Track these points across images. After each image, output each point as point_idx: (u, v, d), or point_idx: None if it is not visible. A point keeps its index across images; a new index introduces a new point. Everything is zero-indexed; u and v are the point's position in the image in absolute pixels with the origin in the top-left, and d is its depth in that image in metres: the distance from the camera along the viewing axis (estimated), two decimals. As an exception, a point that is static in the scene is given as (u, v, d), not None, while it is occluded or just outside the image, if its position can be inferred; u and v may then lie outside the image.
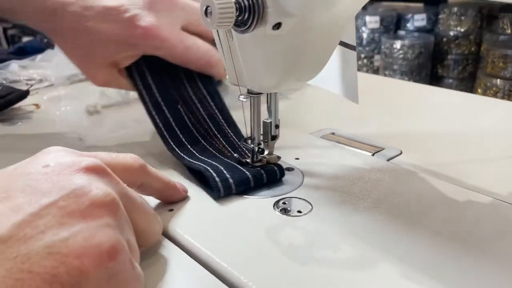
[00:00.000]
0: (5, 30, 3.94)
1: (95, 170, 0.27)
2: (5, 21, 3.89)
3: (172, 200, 0.38)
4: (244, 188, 0.40)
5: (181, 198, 0.39)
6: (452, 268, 0.31)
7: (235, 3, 0.30)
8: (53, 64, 0.78)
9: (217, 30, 0.37)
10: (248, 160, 0.43)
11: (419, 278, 0.30)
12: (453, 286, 0.29)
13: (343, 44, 0.40)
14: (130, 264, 0.26)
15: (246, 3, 0.31)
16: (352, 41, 0.40)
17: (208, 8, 0.30)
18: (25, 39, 3.32)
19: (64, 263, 0.22)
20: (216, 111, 0.50)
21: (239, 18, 0.31)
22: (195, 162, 0.43)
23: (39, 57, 0.83)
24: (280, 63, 0.36)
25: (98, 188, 0.26)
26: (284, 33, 0.33)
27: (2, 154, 0.50)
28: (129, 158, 0.33)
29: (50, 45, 0.90)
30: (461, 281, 0.30)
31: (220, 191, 0.39)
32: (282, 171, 0.43)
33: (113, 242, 0.24)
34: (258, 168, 0.42)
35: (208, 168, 0.41)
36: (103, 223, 0.25)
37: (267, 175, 0.42)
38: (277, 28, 0.32)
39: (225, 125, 0.49)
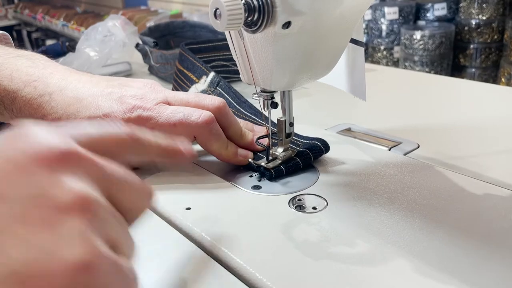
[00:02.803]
0: (29, 33, 4.03)
1: (64, 158, 0.23)
2: (29, 25, 3.97)
3: (176, 164, 0.35)
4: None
5: (187, 161, 0.33)
6: (468, 263, 0.31)
7: (243, 4, 0.31)
8: (74, 67, 0.80)
9: (229, 31, 0.38)
10: (262, 163, 0.43)
11: (433, 273, 0.30)
12: (468, 281, 0.29)
13: (351, 40, 0.40)
14: (113, 268, 0.22)
15: (255, 3, 0.31)
16: (360, 37, 0.40)
17: (217, 10, 0.31)
18: (49, 42, 3.39)
19: (28, 287, 0.19)
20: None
21: (249, 19, 0.32)
22: None
23: (60, 60, 0.85)
24: (291, 62, 0.36)
25: (63, 187, 0.22)
26: (294, 31, 0.33)
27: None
28: (117, 128, 0.28)
29: (71, 49, 0.92)
30: (476, 276, 0.30)
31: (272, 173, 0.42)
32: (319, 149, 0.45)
33: (83, 254, 0.21)
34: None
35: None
36: (71, 230, 0.21)
37: (311, 151, 0.45)
38: (287, 27, 0.32)
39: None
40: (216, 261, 0.32)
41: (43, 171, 0.22)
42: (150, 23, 1.91)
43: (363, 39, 0.40)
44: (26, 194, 0.21)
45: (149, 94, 0.44)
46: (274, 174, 0.42)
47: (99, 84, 0.45)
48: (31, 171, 0.22)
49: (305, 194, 0.40)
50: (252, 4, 0.31)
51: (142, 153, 0.30)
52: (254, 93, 0.41)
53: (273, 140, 0.44)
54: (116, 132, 0.28)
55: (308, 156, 0.44)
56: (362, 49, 0.41)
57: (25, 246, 0.20)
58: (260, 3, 0.31)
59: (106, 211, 0.24)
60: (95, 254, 0.21)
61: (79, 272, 0.20)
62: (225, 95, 0.55)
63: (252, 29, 0.33)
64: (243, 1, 0.31)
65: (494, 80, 1.79)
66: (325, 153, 0.46)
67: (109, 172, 0.25)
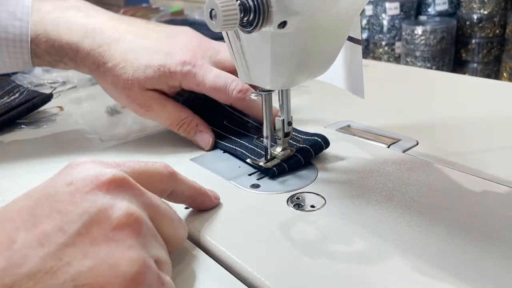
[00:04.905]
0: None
1: (117, 184, 0.27)
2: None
3: (204, 207, 0.38)
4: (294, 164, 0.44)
5: (213, 205, 0.38)
6: (466, 260, 0.31)
7: (239, 5, 0.31)
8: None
9: (226, 31, 0.38)
10: (261, 163, 0.43)
11: (431, 270, 0.30)
12: (467, 278, 0.29)
13: (349, 38, 0.40)
14: (158, 281, 0.26)
15: (251, 3, 0.31)
16: (357, 35, 0.40)
17: (213, 11, 0.31)
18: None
19: None
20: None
21: (244, 19, 0.32)
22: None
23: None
24: (288, 61, 0.36)
25: (120, 208, 0.26)
26: (290, 31, 0.33)
27: (31, 158, 0.52)
28: (159, 165, 0.32)
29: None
30: (475, 274, 0.30)
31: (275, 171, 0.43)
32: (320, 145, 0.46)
33: (138, 266, 0.24)
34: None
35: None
36: (127, 246, 0.24)
37: (312, 147, 0.45)
38: (283, 27, 0.32)
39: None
40: (214, 260, 0.33)
41: (101, 194, 0.26)
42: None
43: (361, 36, 0.40)
44: (87, 212, 0.25)
45: (197, 49, 0.49)
46: (277, 172, 0.42)
47: (149, 36, 0.50)
48: (91, 193, 0.26)
49: (303, 192, 0.40)
50: (247, 4, 0.31)
51: (178, 191, 0.34)
52: (252, 92, 0.41)
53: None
54: (157, 168, 0.32)
55: (309, 153, 0.44)
56: (360, 47, 0.41)
57: (91, 259, 0.23)
58: (256, 3, 0.31)
59: (151, 230, 0.27)
60: (145, 266, 0.24)
61: (134, 282, 0.24)
62: None
63: (247, 29, 0.33)
64: (238, 2, 0.31)
65: (496, 74, 1.78)
66: (325, 148, 0.46)
67: (153, 200, 0.29)
